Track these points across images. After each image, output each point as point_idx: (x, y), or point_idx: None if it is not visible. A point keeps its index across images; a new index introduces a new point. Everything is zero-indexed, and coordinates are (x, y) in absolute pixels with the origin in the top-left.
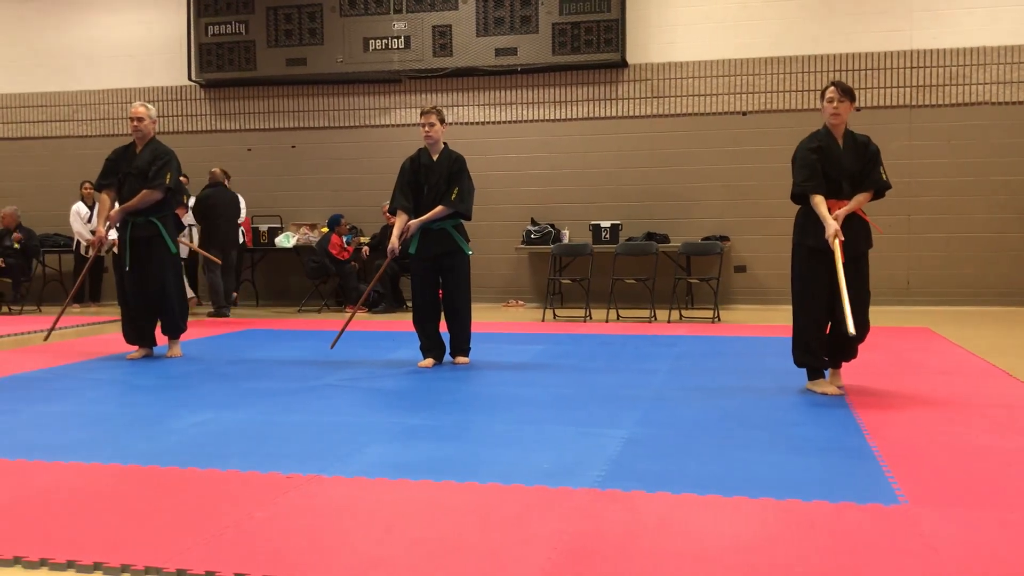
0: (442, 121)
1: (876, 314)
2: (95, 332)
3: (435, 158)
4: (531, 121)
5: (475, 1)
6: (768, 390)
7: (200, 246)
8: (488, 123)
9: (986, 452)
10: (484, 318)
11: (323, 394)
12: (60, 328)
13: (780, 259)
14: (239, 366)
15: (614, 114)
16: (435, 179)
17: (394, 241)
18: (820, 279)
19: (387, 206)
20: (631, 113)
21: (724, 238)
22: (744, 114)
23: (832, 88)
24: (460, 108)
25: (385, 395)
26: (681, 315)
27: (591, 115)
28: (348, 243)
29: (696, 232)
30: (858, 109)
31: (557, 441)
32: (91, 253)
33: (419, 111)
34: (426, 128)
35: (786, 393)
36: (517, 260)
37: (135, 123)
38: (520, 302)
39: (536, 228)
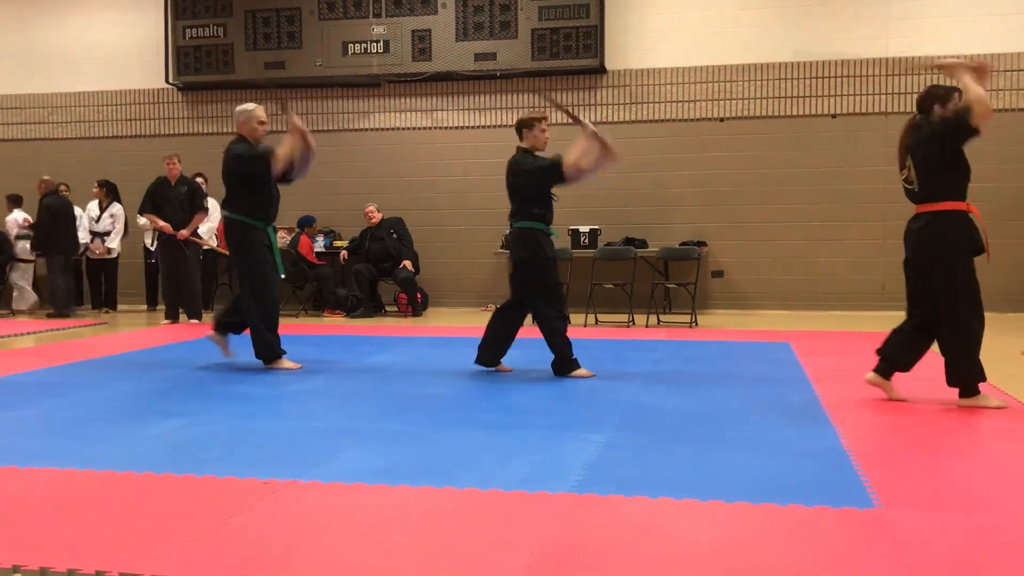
0: None
1: (853, 319)
2: (71, 336)
3: None
4: (510, 126)
5: (454, 6)
6: (744, 394)
7: (44, 253)
8: (467, 128)
9: (960, 456)
10: (463, 323)
11: (300, 399)
12: (37, 332)
13: (756, 264)
14: (215, 371)
15: (593, 119)
16: None
17: None
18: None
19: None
20: (610, 119)
21: (702, 243)
22: (722, 120)
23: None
24: (439, 113)
25: (363, 400)
26: (659, 320)
27: (570, 120)
28: (327, 246)
29: (674, 237)
30: (834, 116)
31: (535, 446)
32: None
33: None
34: (547, 133)
35: (762, 397)
36: (496, 265)
37: (266, 125)
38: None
39: None
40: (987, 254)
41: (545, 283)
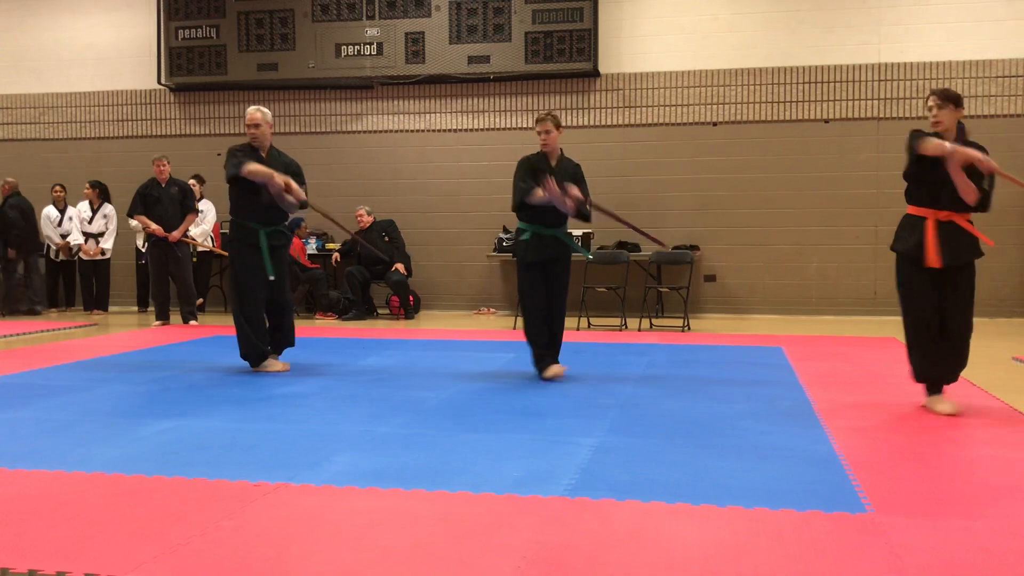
0: (558, 127)
1: (843, 324)
2: (61, 338)
3: (554, 164)
4: (503, 129)
5: (448, 9)
6: (737, 398)
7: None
8: (460, 131)
9: (951, 461)
10: (455, 326)
11: (291, 402)
12: (26, 334)
13: (749, 268)
14: (206, 373)
15: (586, 123)
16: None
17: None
18: (919, 285)
19: (371, 218)
20: (603, 122)
21: (694, 247)
22: (714, 124)
23: (931, 97)
24: (432, 115)
25: (354, 403)
26: (651, 323)
27: (563, 124)
28: (319, 248)
29: (666, 241)
30: (826, 121)
31: (527, 449)
32: (61, 257)
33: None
34: (542, 136)
35: (754, 401)
36: (489, 268)
37: (256, 128)
38: (491, 310)
39: (508, 236)
40: (927, 258)
41: (519, 283)
